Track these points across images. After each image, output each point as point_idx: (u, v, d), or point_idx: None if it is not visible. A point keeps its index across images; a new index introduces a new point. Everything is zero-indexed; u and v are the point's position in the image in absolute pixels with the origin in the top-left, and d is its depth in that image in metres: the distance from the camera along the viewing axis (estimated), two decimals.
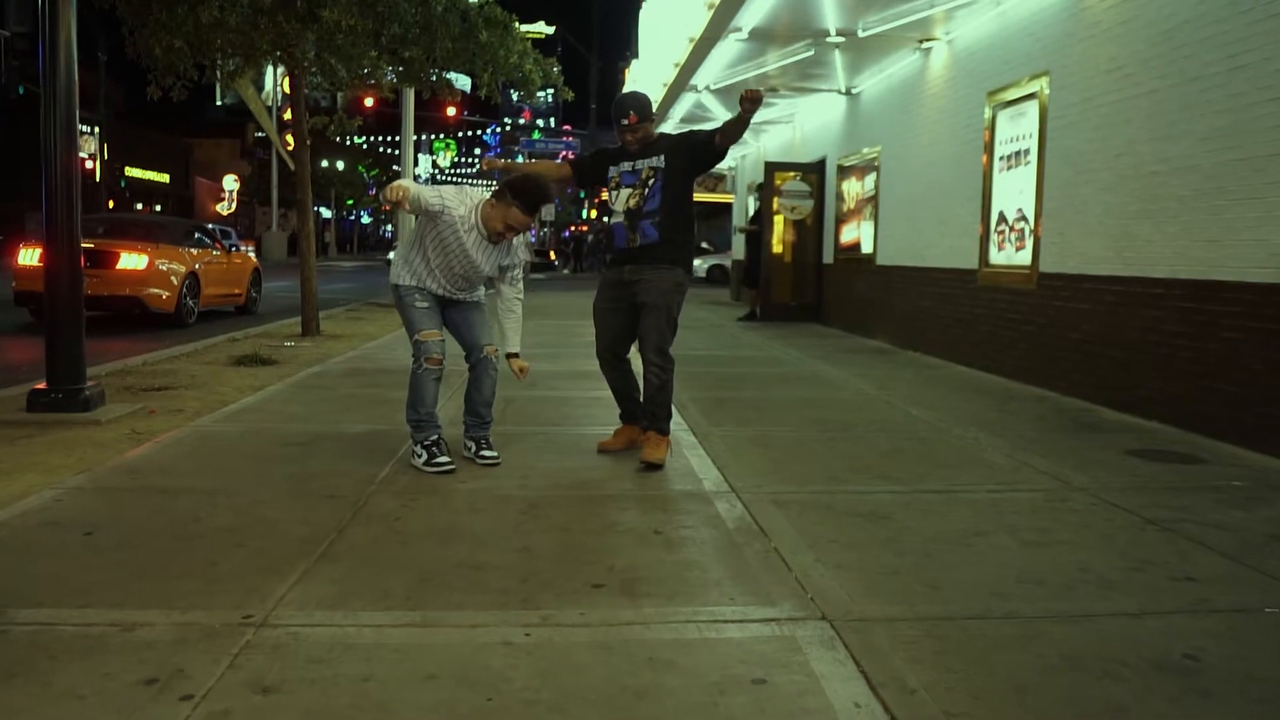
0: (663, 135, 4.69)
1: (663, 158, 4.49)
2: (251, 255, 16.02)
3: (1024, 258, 7.50)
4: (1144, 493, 4.11)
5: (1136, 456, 4.85)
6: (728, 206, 24.59)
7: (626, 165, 4.58)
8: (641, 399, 4.69)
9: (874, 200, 11.16)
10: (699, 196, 8.47)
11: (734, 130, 4.37)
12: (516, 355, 4.51)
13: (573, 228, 51.98)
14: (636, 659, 2.39)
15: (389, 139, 54.56)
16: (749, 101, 4.11)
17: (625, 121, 4.48)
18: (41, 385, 5.41)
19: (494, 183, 4.38)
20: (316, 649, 2.40)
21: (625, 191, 4.55)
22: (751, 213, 16.41)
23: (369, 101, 25.92)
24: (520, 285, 4.51)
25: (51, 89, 5.27)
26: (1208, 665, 2.41)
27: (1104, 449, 5.02)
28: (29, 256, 10.82)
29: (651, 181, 4.48)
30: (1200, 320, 5.45)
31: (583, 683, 2.26)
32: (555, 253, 43.23)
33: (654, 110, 5.19)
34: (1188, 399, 5.54)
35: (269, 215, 44.03)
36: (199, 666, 2.28)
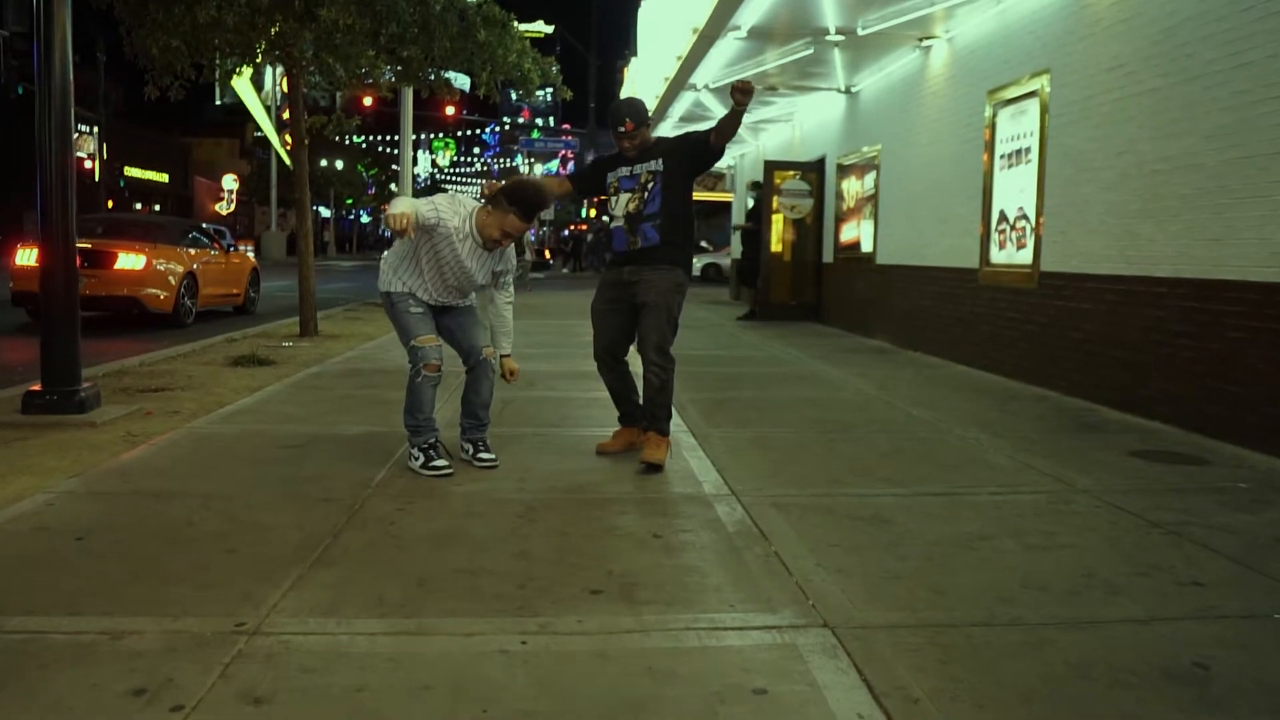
0: (660, 139, 4.67)
1: (660, 161, 4.47)
2: (250, 255, 15.99)
3: (1025, 257, 7.46)
4: (1148, 495, 4.07)
5: (1140, 458, 4.81)
6: (727, 205, 24.56)
7: (624, 170, 4.56)
8: (640, 400, 4.66)
9: (874, 199, 11.12)
10: (698, 195, 8.43)
11: (729, 126, 4.34)
12: (508, 357, 4.48)
13: (571, 226, 51.89)
14: (635, 668, 2.35)
15: (388, 138, 54.45)
16: (740, 93, 4.10)
17: (622, 128, 4.47)
18: (36, 386, 5.37)
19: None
20: (309, 658, 2.36)
21: (624, 196, 4.53)
22: (749, 210, 16.37)
23: (368, 101, 25.92)
24: (511, 290, 4.48)
25: (47, 88, 5.23)
26: (1217, 673, 2.37)
27: (1107, 450, 4.98)
28: (26, 256, 10.79)
29: (650, 185, 4.46)
30: (1203, 320, 5.41)
31: (580, 693, 2.22)
32: (550, 252, 43.17)
33: (651, 113, 5.17)
34: (1191, 399, 5.50)
35: (268, 215, 43.93)
36: (189, 676, 2.25)
